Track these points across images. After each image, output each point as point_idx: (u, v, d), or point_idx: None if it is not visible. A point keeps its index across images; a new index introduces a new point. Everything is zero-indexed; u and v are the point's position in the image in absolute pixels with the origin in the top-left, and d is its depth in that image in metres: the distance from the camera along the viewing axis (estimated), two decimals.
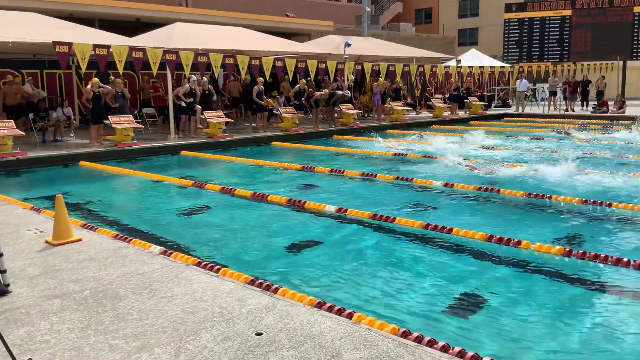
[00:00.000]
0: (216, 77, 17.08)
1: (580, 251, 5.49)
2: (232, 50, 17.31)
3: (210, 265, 4.90)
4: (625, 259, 5.20)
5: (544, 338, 3.94)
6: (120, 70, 13.81)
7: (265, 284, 4.41)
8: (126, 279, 4.45)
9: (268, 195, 8.38)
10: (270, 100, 18.51)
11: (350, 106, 19.78)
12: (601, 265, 5.24)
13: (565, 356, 3.69)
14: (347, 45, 19.54)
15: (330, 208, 7.48)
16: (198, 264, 4.93)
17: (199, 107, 15.24)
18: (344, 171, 10.58)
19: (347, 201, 8.00)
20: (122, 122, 13.48)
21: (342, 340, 3.32)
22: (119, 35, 15.93)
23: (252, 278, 4.54)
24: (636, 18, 24.21)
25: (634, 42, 24.37)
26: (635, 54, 24.59)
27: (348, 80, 19.83)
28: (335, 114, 19.17)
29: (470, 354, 3.28)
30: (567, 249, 5.53)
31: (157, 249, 5.38)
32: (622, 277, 4.99)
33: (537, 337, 3.95)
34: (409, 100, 24.49)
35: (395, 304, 4.55)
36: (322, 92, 18.19)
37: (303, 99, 18.40)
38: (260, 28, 21.85)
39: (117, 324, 3.60)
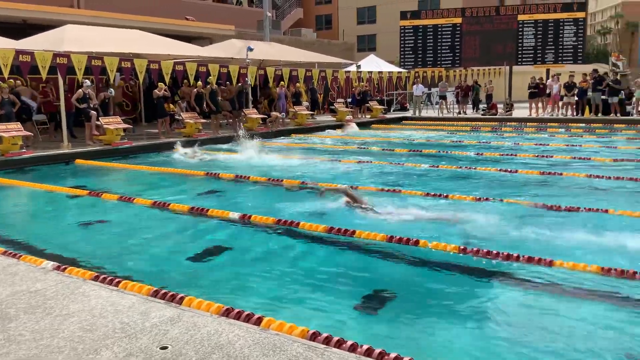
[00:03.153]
0: (111, 81, 16.37)
1: (475, 248, 5.82)
2: (129, 54, 16.70)
3: (109, 278, 4.69)
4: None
5: (446, 332, 4.13)
6: (6, 75, 12.90)
7: (170, 294, 4.29)
8: (17, 297, 4.16)
9: (170, 204, 8.15)
10: (171, 105, 18.04)
11: (255, 111, 19.72)
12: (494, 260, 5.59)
13: (467, 349, 3.90)
14: (249, 49, 19.46)
15: (235, 214, 7.41)
16: (96, 278, 4.71)
17: (93, 112, 14.55)
18: (218, 174, 10.52)
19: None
20: (9, 130, 12.58)
21: (251, 347, 3.30)
22: (3, 37, 14.88)
23: (155, 289, 4.40)
24: (520, 26, 26.00)
25: (519, 48, 26.15)
26: (520, 60, 26.39)
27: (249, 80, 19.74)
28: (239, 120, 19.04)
29: (377, 351, 3.38)
30: (462, 247, 5.84)
31: (50, 264, 5.07)
32: (513, 268, 5.36)
33: (441, 332, 4.14)
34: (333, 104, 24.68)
35: (305, 306, 4.60)
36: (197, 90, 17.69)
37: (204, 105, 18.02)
38: (159, 31, 21.24)
39: (8, 347, 3.35)
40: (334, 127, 21.21)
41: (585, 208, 7.55)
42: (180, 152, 13.97)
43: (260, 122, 19.39)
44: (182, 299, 4.20)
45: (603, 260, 5.36)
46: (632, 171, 10.58)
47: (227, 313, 3.93)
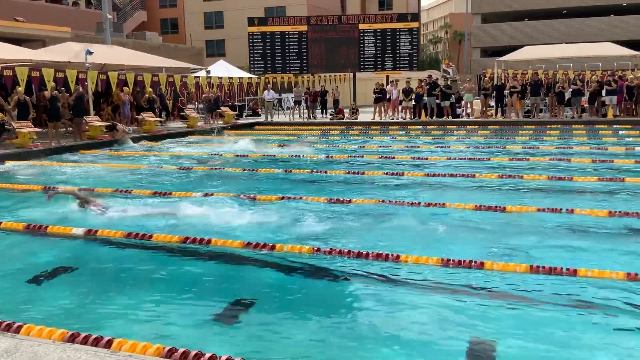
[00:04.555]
0: None
1: (329, 248, 6.02)
2: None
3: None
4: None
5: (305, 334, 4.22)
6: None
7: (5, 323, 3.88)
8: None
9: (1, 222, 7.38)
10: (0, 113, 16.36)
11: (97, 118, 18.59)
12: (346, 258, 5.82)
13: (325, 348, 4.01)
14: (89, 53, 18.28)
15: (78, 230, 6.91)
16: None
17: None
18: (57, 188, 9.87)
19: None
20: None
21: None
22: None
23: None
24: (361, 35, 27.39)
25: (361, 56, 27.54)
26: (362, 67, 27.80)
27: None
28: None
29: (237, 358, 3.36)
30: (316, 248, 6.01)
31: None
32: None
33: (301, 334, 4.21)
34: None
35: (161, 322, 4.42)
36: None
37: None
38: None
39: None
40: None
41: (425, 203, 8.16)
42: None
43: (104, 129, 18.31)
44: (19, 327, 3.82)
45: (443, 252, 5.83)
46: (463, 168, 11.65)
47: (72, 339, 3.65)
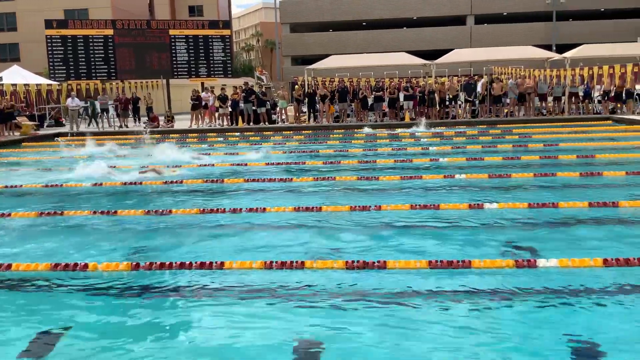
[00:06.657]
0: None
1: (148, 262, 5.79)
2: None
3: None
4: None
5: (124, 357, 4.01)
6: None
7: None
8: None
9: None
10: None
11: None
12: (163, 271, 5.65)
13: None
14: None
15: None
16: None
17: None
18: None
19: None
20: None
21: None
22: None
23: None
24: (172, 40, 26.71)
25: (173, 62, 26.83)
26: (175, 73, 27.11)
27: None
28: None
29: None
30: (135, 263, 5.74)
31: None
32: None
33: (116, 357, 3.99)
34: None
35: None
36: None
37: None
38: None
39: None
40: None
41: (246, 209, 8.25)
42: None
43: None
44: None
45: (266, 255, 5.94)
46: (281, 172, 12.00)
47: None
